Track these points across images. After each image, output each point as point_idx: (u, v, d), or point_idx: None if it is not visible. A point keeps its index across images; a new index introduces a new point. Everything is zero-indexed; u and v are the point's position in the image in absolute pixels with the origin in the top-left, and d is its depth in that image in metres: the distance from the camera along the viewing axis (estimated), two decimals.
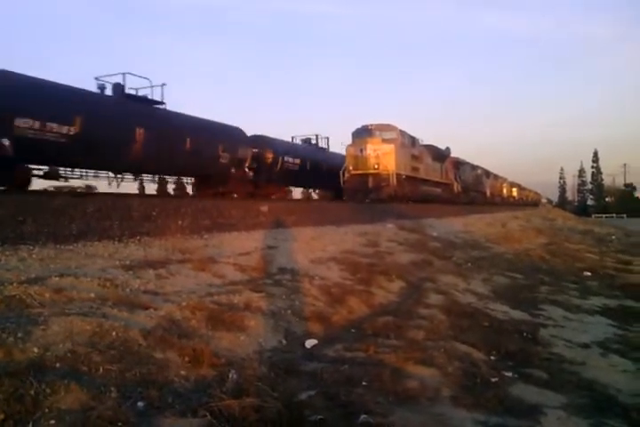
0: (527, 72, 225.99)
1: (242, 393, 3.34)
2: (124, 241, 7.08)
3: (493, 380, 4.54)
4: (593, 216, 75.40)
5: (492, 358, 5.20)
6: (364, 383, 3.88)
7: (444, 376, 4.38)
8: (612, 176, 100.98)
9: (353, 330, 5.52)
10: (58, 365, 3.09)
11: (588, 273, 12.52)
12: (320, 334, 5.19)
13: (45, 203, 8.22)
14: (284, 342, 4.81)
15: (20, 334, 3.25)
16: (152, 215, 9.09)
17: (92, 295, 4.40)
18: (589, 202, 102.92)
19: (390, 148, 23.27)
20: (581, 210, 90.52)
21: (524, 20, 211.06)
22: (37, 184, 13.60)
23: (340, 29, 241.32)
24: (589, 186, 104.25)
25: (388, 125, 24.66)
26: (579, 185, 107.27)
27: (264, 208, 12.47)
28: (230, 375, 3.58)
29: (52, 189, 15.96)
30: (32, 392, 2.73)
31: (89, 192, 16.58)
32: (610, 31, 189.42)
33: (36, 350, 3.18)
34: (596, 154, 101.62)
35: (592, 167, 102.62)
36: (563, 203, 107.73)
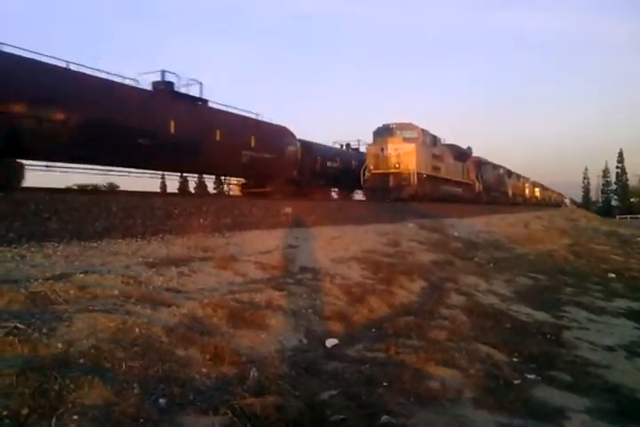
0: (550, 72, 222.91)
1: (263, 392, 3.35)
2: (147, 239, 7.15)
3: (516, 382, 4.49)
4: (617, 217, 74.07)
5: (515, 359, 5.14)
6: (384, 384, 3.85)
7: (466, 378, 4.34)
8: (638, 176, 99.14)
9: (374, 330, 5.49)
10: (82, 360, 3.12)
11: (613, 275, 12.32)
12: (341, 334, 5.17)
13: (70, 200, 8.33)
14: (305, 340, 4.81)
15: (44, 330, 3.29)
16: (174, 213, 9.17)
17: (116, 292, 4.44)
18: (613, 202, 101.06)
19: (411, 147, 23.16)
20: (605, 211, 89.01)
21: (547, 18, 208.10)
22: (61, 182, 13.75)
23: (356, 32, 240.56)
24: (614, 186, 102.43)
25: (409, 124, 24.53)
26: (603, 185, 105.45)
27: (287, 210, 12.47)
28: (251, 374, 3.59)
29: (75, 186, 16.19)
30: (56, 387, 2.76)
31: (112, 189, 16.82)
32: (630, 30, 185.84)
33: (60, 345, 3.21)
34: (621, 154, 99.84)
35: (617, 167, 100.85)
36: (586, 203, 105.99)
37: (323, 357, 4.43)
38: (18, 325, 3.25)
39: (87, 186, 18.13)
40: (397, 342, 4.95)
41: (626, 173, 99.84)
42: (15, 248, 5.49)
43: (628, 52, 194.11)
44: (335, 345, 4.81)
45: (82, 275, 4.73)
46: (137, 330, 3.65)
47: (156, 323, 3.88)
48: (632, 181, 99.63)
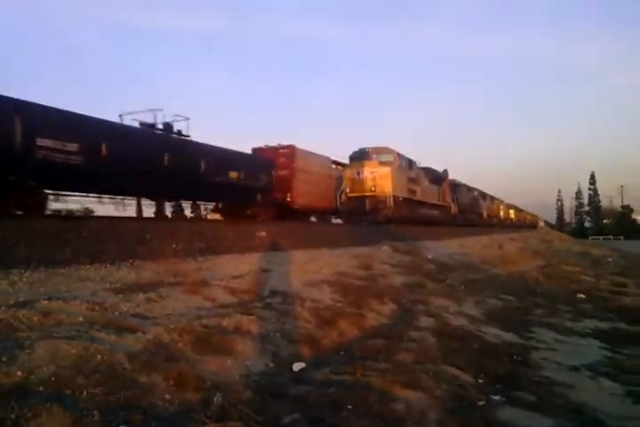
0: (523, 96, 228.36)
1: (226, 417, 3.36)
2: (117, 264, 7.12)
3: (480, 403, 4.55)
4: (590, 238, 75.41)
5: (481, 380, 5.21)
6: (349, 406, 3.88)
7: (431, 399, 4.39)
8: (610, 198, 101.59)
9: (342, 353, 5.52)
10: (41, 388, 3.11)
11: (582, 296, 12.52)
12: (308, 358, 5.19)
13: (39, 226, 8.27)
14: (272, 365, 4.81)
15: (4, 358, 3.27)
16: (146, 238, 9.15)
17: (80, 319, 4.41)
18: (587, 224, 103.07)
19: (387, 170, 23.49)
20: (579, 232, 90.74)
21: (520, 43, 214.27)
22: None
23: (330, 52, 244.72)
24: (587, 208, 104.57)
25: (385, 148, 24.94)
26: (576, 207, 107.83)
27: (261, 233, 12.52)
28: (215, 399, 3.60)
29: (50, 212, 15.97)
30: (13, 416, 2.75)
31: (86, 215, 16.64)
32: (601, 54, 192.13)
33: (19, 373, 3.20)
34: (592, 176, 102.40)
35: (589, 189, 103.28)
36: (560, 225, 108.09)
37: (289, 381, 4.45)
38: None
39: (61, 211, 17.91)
40: (365, 364, 4.99)
41: (598, 195, 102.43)
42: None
43: (599, 75, 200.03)
44: (302, 369, 4.83)
45: (46, 301, 4.69)
46: (99, 357, 3.64)
47: (119, 349, 3.87)
48: (604, 203, 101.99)
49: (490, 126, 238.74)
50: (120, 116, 16.73)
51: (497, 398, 4.78)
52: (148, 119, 17.21)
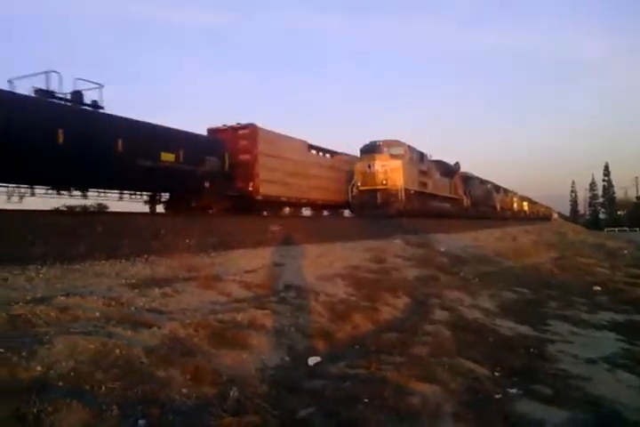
0: (537, 86, 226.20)
1: (242, 411, 3.38)
2: (132, 260, 7.17)
3: (497, 396, 4.53)
4: (605, 230, 74.64)
5: (497, 374, 5.18)
6: (365, 400, 3.88)
7: (447, 393, 4.37)
8: (625, 189, 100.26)
9: (357, 347, 5.52)
10: (60, 383, 3.15)
11: (598, 288, 12.41)
12: (323, 351, 5.21)
13: (54, 222, 8.34)
14: (287, 359, 4.83)
15: (24, 353, 3.31)
16: (160, 234, 9.21)
17: (97, 314, 4.46)
18: (601, 215, 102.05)
19: (398, 163, 23.44)
20: (593, 223, 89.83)
21: (534, 34, 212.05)
22: (49, 203, 13.42)
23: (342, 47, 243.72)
24: (601, 199, 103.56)
25: (396, 141, 24.87)
26: (590, 198, 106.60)
27: (275, 228, 12.53)
28: (231, 393, 3.62)
29: (64, 208, 16.07)
30: (34, 411, 2.79)
31: (101, 211, 16.69)
32: (613, 43, 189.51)
33: (39, 368, 3.23)
34: (607, 167, 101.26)
35: (603, 180, 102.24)
36: (574, 217, 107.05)
37: (304, 375, 4.46)
38: None
39: (76, 207, 17.98)
40: (379, 358, 4.98)
41: (612, 186, 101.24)
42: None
43: (613, 65, 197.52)
44: (317, 363, 4.84)
45: (63, 297, 4.75)
46: (117, 351, 3.67)
47: (136, 344, 3.90)
48: (618, 194, 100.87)
49: (504, 119, 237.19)
50: (9, 81, 13.06)
51: (514, 391, 4.76)
52: (55, 87, 13.48)
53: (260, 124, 20.54)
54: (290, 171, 22.30)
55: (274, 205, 21.85)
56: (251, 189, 19.79)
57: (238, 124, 20.29)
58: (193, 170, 16.47)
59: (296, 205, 24.21)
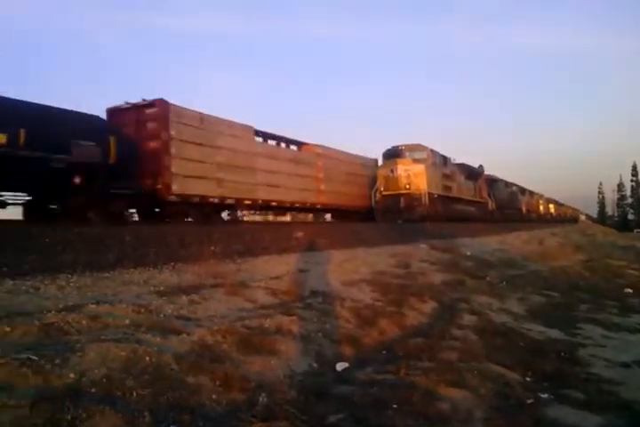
0: (563, 86, 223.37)
1: (271, 417, 3.39)
2: (159, 268, 7.26)
3: (528, 401, 4.46)
4: (635, 231, 73.11)
5: (528, 379, 5.10)
6: (394, 406, 3.86)
7: (477, 398, 4.32)
8: None
9: (384, 352, 5.50)
10: (93, 390, 3.19)
11: (630, 290, 12.16)
12: (351, 357, 5.19)
13: (83, 232, 8.50)
14: (315, 365, 4.83)
15: (57, 361, 3.37)
16: (186, 242, 9.30)
17: (127, 322, 4.52)
18: (630, 216, 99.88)
19: (421, 168, 23.39)
20: (622, 225, 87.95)
21: (563, 33, 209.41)
22: None
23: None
24: (629, 200, 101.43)
25: (418, 145, 24.81)
26: (618, 199, 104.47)
27: (299, 234, 12.58)
28: (260, 399, 3.63)
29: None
30: (68, 417, 2.83)
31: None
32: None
33: (72, 375, 3.28)
34: (635, 167, 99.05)
35: (631, 181, 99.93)
36: (602, 218, 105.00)
37: (332, 381, 4.45)
38: (31, 356, 3.34)
39: None
40: (408, 363, 4.95)
41: None
42: (29, 280, 5.61)
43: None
44: (345, 369, 4.83)
45: (94, 305, 4.82)
46: (147, 358, 3.72)
47: (166, 351, 3.94)
48: None
49: (531, 121, 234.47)
50: None
51: (545, 396, 4.68)
52: None
53: (173, 101, 15.47)
54: (225, 163, 17.28)
55: (198, 207, 16.31)
56: (159, 186, 14.72)
57: (144, 99, 15.32)
58: (46, 158, 11.26)
59: (236, 207, 18.90)
